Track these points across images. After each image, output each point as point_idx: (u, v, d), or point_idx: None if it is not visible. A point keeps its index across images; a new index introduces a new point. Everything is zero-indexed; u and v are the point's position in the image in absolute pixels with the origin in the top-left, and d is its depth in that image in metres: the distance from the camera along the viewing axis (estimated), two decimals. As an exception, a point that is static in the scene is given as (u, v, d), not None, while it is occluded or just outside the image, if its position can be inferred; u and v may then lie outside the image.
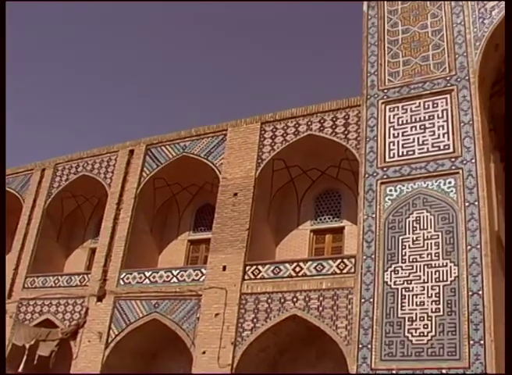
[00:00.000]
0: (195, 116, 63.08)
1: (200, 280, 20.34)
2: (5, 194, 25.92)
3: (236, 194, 20.90)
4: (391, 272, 16.19)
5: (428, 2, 19.44)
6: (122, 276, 22.01)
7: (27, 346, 21.98)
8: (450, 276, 15.48)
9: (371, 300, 16.07)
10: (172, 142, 23.52)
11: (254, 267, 19.62)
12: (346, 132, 19.90)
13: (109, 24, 65.28)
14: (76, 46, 66.31)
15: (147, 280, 21.49)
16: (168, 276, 21.16)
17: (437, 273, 15.66)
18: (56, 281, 23.67)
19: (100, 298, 21.82)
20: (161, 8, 61.81)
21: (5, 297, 23.38)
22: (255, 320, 18.68)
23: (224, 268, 19.91)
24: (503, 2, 18.07)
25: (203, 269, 20.59)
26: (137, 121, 65.99)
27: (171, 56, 66.49)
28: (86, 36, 66.60)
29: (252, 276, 19.48)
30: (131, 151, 24.29)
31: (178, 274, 21.04)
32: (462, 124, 17.15)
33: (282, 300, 18.55)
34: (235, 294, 19.24)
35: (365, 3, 20.49)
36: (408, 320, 15.48)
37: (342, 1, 53.21)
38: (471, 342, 14.55)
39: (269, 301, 18.73)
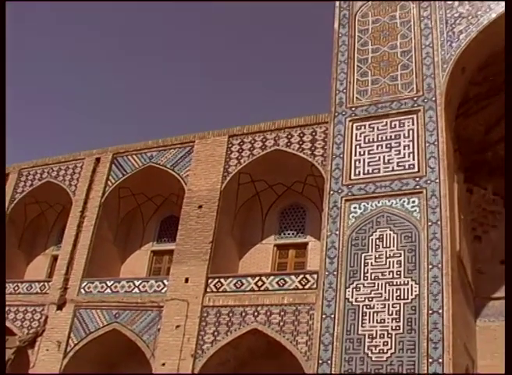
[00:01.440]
0: (162, 126, 62.75)
1: (162, 291, 20.25)
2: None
3: (200, 207, 20.89)
4: (353, 289, 16.27)
5: (398, 23, 19.71)
6: (83, 285, 21.82)
7: (-17, 353, 21.65)
8: (411, 295, 15.60)
9: (332, 316, 16.12)
10: (139, 152, 23.45)
11: (217, 280, 19.59)
12: (312, 148, 20.03)
13: (81, 26, 64.90)
14: (44, 47, 65.76)
15: (108, 289, 21.33)
16: (130, 287, 21.03)
17: (398, 291, 15.77)
18: (16, 288, 23.36)
19: (60, 307, 21.58)
20: (138, 7, 61.48)
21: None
22: (216, 333, 18.63)
23: (186, 280, 19.85)
24: (471, 26, 18.43)
25: (165, 281, 20.50)
26: (104, 129, 65.48)
27: (139, 64, 66.19)
28: (59, 35, 66.09)
29: (214, 289, 19.44)
30: (97, 160, 24.14)
31: (140, 285, 20.91)
32: (427, 144, 17.35)
33: (244, 314, 18.53)
34: (196, 306, 19.18)
35: (336, 21, 20.70)
36: (368, 337, 15.55)
37: (314, 18, 53.56)
38: (430, 360, 14.67)
39: (230, 314, 18.70)
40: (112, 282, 21.55)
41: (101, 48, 65.09)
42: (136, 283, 21.08)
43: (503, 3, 18.29)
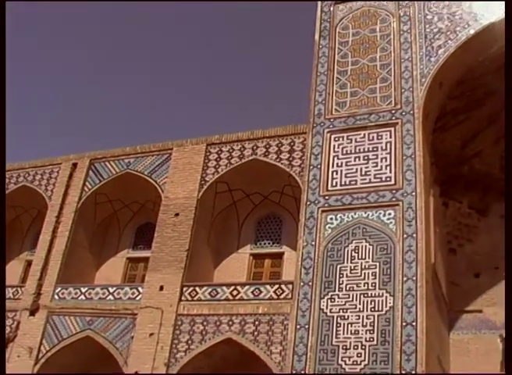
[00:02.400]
0: (140, 133, 62.50)
1: (137, 298, 20.13)
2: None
3: (177, 214, 20.84)
4: (327, 299, 16.30)
5: (378, 36, 19.87)
6: (57, 291, 21.62)
7: (-49, 359, 21.35)
8: (386, 306, 15.66)
9: (307, 326, 16.13)
10: (117, 158, 23.35)
11: (192, 288, 19.53)
12: (290, 158, 20.07)
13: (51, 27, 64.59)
14: (21, 48, 65.39)
15: (82, 296, 21.17)
16: (104, 294, 20.89)
17: (373, 303, 15.82)
18: (-12, 293, 23.12)
19: (33, 313, 21.36)
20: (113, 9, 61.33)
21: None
22: (190, 342, 18.55)
23: (161, 288, 19.76)
24: (450, 42, 18.63)
25: (140, 288, 20.39)
26: (82, 134, 65.07)
27: (117, 70, 65.97)
28: (35, 37, 65.76)
29: (189, 298, 19.37)
30: (74, 165, 24.00)
31: (114, 292, 20.78)
32: (404, 157, 17.47)
33: (218, 323, 18.48)
34: (171, 314, 19.10)
35: (317, 33, 20.84)
36: (342, 348, 15.58)
37: (295, 28, 53.77)
38: (403, 372, 14.71)
39: (205, 323, 18.63)
40: (86, 288, 21.40)
41: (78, 53, 64.84)
42: (111, 290, 20.94)
43: (481, 20, 18.62)
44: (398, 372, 14.76)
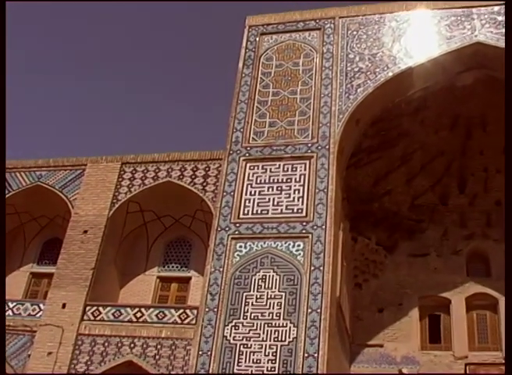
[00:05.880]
0: (54, 146, 60.98)
1: (37, 315, 19.59)
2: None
3: (86, 232, 20.46)
4: (232, 327, 16.28)
5: (300, 70, 20.20)
6: (-49, 304, 20.85)
7: None
8: (289, 337, 15.74)
9: (209, 353, 16.05)
10: (28, 169, 22.76)
11: (95, 308, 19.15)
12: (204, 183, 20.06)
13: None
14: None
15: (-21, 310, 20.49)
16: (3, 309, 20.27)
17: (276, 333, 15.88)
18: None
19: None
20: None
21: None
22: (89, 363, 18.13)
23: (64, 306, 19.28)
24: (369, 82, 19.12)
25: (41, 305, 19.84)
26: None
27: (32, 79, 64.53)
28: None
29: (92, 317, 18.98)
30: (-18, 173, 23.32)
31: (14, 307, 20.17)
32: (317, 191, 17.73)
33: (120, 344, 18.16)
34: (71, 333, 18.64)
35: (241, 61, 21.04)
36: (243, 377, 15.58)
37: (219, 55, 53.99)
38: (303, 403, 14.82)
39: (106, 344, 18.28)
40: (-17, 303, 20.70)
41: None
42: (10, 305, 20.31)
43: (399, 64, 19.25)
44: (298, 403, 14.85)
